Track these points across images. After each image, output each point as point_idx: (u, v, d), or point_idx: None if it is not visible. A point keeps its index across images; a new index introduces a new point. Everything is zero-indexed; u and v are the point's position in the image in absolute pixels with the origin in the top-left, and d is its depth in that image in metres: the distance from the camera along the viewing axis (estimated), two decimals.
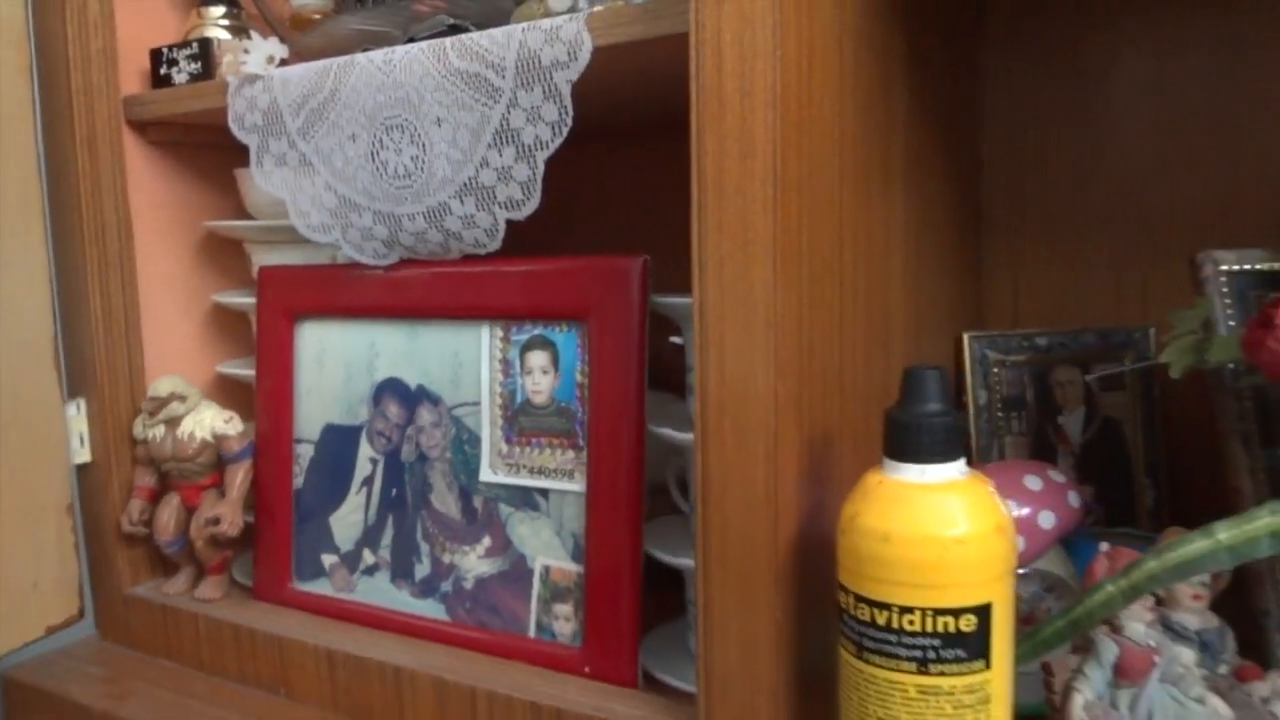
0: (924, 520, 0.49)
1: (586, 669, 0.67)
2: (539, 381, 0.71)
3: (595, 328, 0.68)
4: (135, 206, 0.88)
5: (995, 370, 0.89)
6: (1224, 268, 0.70)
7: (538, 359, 0.71)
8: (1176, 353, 0.60)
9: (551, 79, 0.64)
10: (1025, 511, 0.69)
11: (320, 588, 0.81)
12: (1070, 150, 0.91)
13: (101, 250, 0.85)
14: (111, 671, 0.83)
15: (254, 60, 0.78)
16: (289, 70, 0.76)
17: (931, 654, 0.49)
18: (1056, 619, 0.53)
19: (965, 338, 0.88)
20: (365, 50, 0.79)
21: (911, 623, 0.49)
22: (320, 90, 0.74)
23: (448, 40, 0.68)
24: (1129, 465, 0.88)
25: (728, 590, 0.56)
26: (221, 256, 0.95)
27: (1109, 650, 0.58)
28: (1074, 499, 0.71)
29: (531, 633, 0.71)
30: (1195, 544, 0.48)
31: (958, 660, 0.49)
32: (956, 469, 0.51)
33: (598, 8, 0.67)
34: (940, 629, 0.49)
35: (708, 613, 0.57)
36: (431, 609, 0.76)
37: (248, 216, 0.90)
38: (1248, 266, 0.70)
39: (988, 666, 0.49)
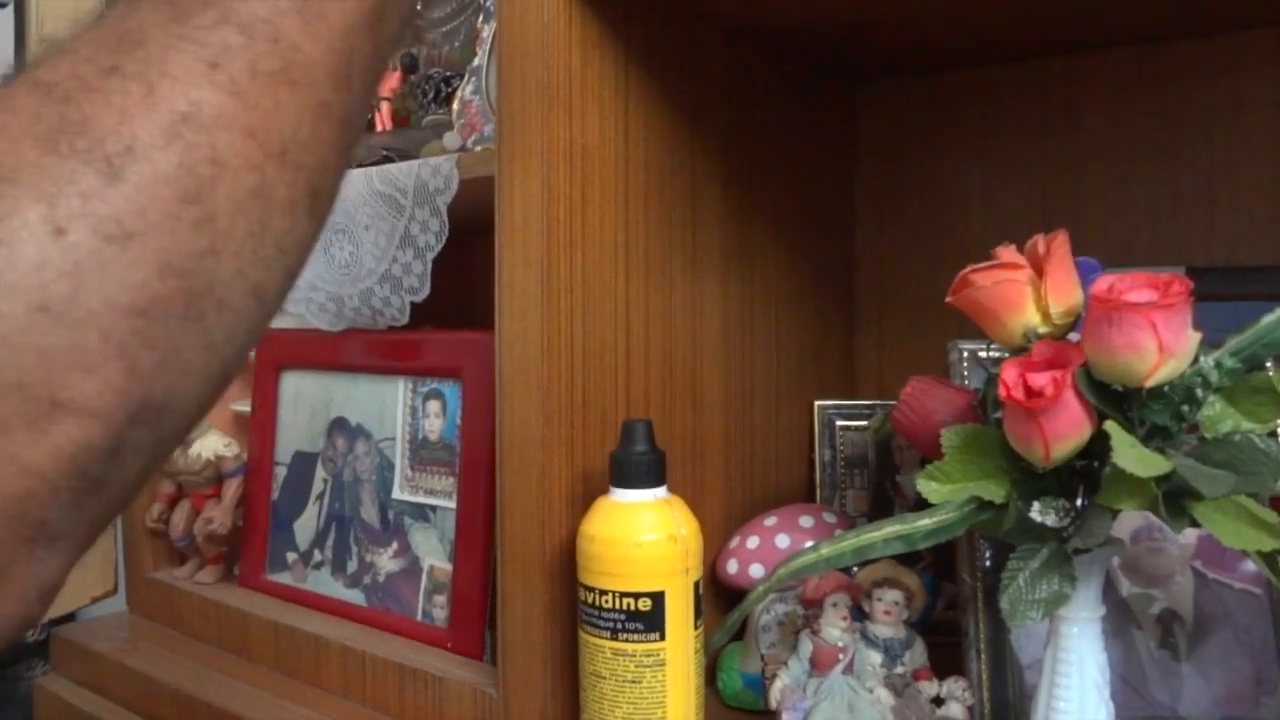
0: (618, 528, 0.69)
1: (449, 644, 0.89)
2: (433, 423, 0.94)
3: (466, 384, 0.90)
4: None
5: (841, 433, 1.07)
6: (966, 352, 0.87)
7: (433, 406, 0.94)
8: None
9: (435, 201, 0.88)
10: (798, 544, 0.87)
11: (284, 578, 1.05)
12: (927, 253, 1.10)
13: None
14: (129, 634, 1.08)
15: None
16: None
17: (619, 625, 0.68)
18: (734, 612, 0.72)
19: (816, 405, 1.07)
20: None
21: (607, 602, 0.69)
22: None
23: (373, 170, 0.93)
24: None
25: (514, 580, 0.77)
26: None
27: (805, 647, 0.76)
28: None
29: (419, 617, 0.93)
30: (804, 556, 0.67)
31: (638, 631, 0.68)
32: (653, 494, 0.70)
33: (478, 148, 0.90)
34: (625, 607, 0.68)
35: (503, 596, 0.78)
36: (355, 596, 0.98)
37: None
38: (988, 354, 0.87)
39: (662, 638, 0.69)
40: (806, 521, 0.88)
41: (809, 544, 0.87)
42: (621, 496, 0.70)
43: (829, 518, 0.89)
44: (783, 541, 0.87)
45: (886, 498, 1.05)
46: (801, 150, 1.03)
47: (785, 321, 1.02)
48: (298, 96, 0.35)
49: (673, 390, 0.86)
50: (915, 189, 1.10)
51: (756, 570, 0.86)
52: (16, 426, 0.30)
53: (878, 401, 1.07)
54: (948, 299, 0.66)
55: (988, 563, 0.82)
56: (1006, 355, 0.88)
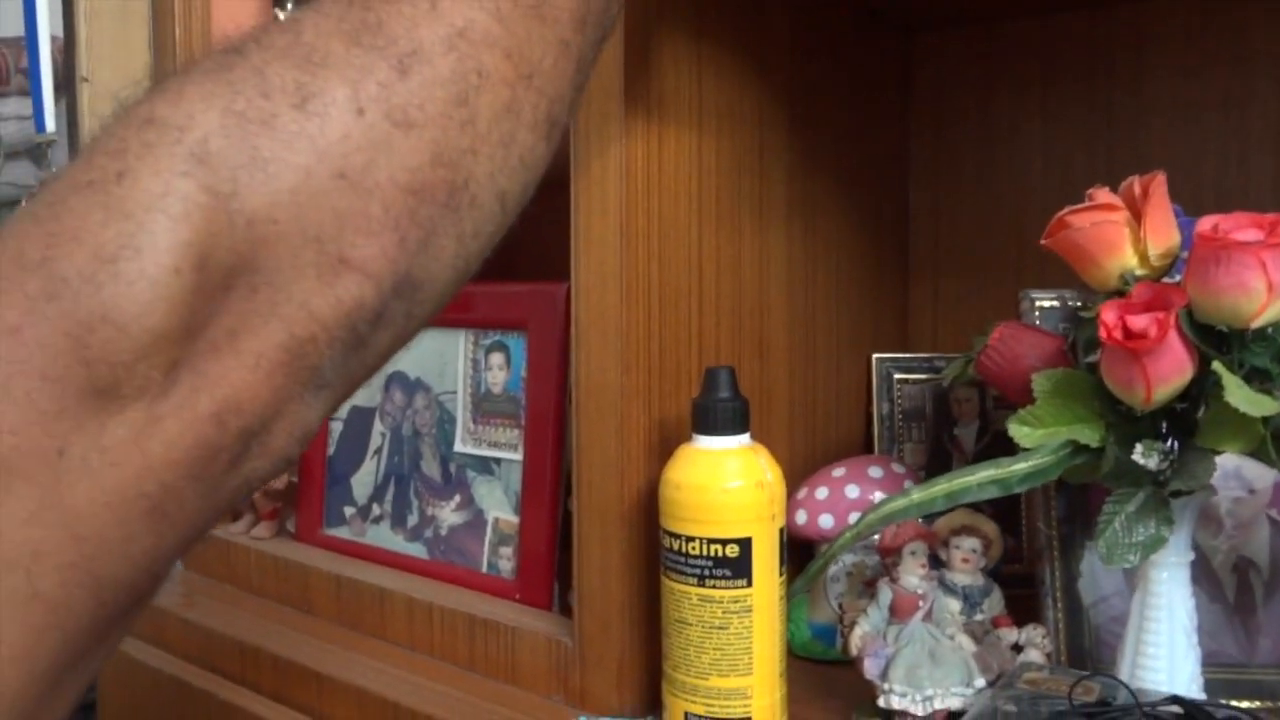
0: (705, 474, 0.69)
1: (517, 595, 0.89)
2: (496, 376, 0.93)
3: (532, 336, 0.90)
4: None
5: (899, 386, 1.06)
6: (1039, 304, 0.86)
7: (496, 359, 0.93)
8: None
9: None
10: (868, 495, 0.86)
11: (342, 533, 1.05)
12: (983, 207, 1.08)
13: None
14: (186, 590, 1.08)
15: None
16: None
17: (706, 572, 0.68)
18: (818, 557, 0.72)
19: (873, 358, 1.06)
20: None
21: (693, 548, 0.68)
22: None
23: None
24: None
25: (591, 529, 0.77)
26: None
27: (885, 594, 0.76)
28: (909, 487, 0.88)
29: (484, 569, 0.93)
30: (894, 502, 0.66)
31: (725, 578, 0.68)
32: (737, 441, 0.70)
33: None
34: (712, 553, 0.68)
35: (580, 546, 0.77)
36: (417, 550, 0.98)
37: None
38: (1057, 304, 0.86)
39: (749, 585, 0.68)
40: (875, 472, 0.88)
41: (877, 495, 0.87)
42: (706, 443, 0.70)
43: (897, 468, 0.89)
44: (852, 492, 0.87)
45: (944, 451, 1.05)
46: (858, 101, 1.02)
47: (844, 274, 1.01)
48: (546, 31, 0.40)
49: (742, 341, 0.86)
50: (972, 141, 1.09)
51: (826, 521, 0.86)
52: (310, 275, 0.34)
53: (935, 354, 1.07)
54: (1042, 241, 0.66)
55: (1061, 512, 0.81)
56: (1080, 304, 0.87)
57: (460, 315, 0.95)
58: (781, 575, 0.71)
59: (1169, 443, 0.62)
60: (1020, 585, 0.84)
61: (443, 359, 0.98)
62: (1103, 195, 0.65)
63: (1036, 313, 0.86)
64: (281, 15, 1.12)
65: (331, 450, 1.07)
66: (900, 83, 1.10)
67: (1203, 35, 0.97)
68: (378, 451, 1.03)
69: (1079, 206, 0.64)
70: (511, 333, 0.92)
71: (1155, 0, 0.98)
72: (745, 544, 0.68)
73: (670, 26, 0.76)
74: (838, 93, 0.97)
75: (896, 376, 1.06)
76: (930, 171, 1.12)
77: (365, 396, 1.05)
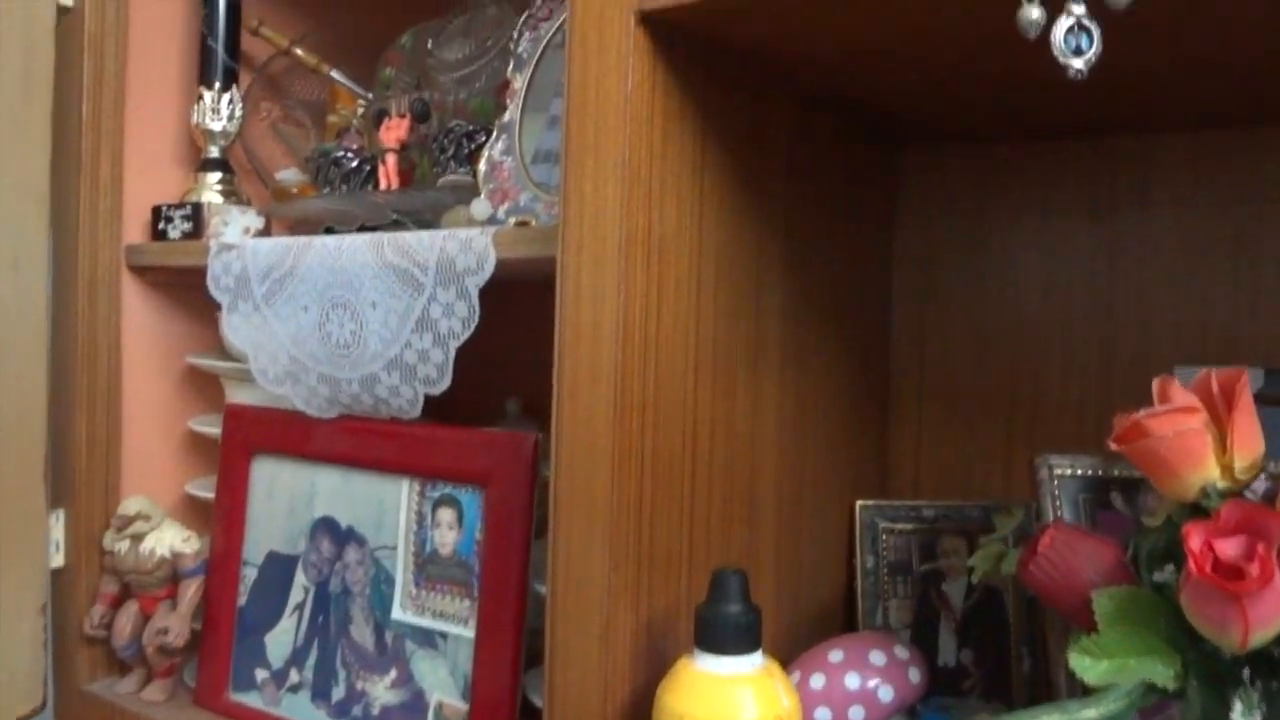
0: (713, 707, 0.57)
1: None
2: (445, 535, 0.80)
3: (492, 494, 0.77)
4: (128, 338, 1.00)
5: (884, 537, 0.97)
6: (1058, 472, 0.78)
7: (446, 515, 0.81)
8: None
9: (463, 282, 0.75)
10: (869, 684, 0.76)
11: (252, 700, 0.90)
12: (972, 340, 1.00)
13: (91, 379, 0.97)
14: None
15: (232, 230, 0.90)
16: (259, 243, 0.88)
17: None
18: None
19: (857, 506, 0.96)
20: (329, 228, 0.91)
21: None
22: (282, 265, 0.86)
23: (385, 237, 0.80)
24: (1007, 634, 0.95)
25: None
26: (203, 384, 1.07)
27: None
28: (914, 675, 0.78)
29: None
30: None
31: None
32: (750, 663, 0.59)
33: (511, 221, 0.78)
34: None
35: None
36: None
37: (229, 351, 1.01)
38: (1079, 471, 0.78)
39: None
40: (877, 658, 0.78)
41: (881, 687, 0.77)
42: (714, 666, 0.59)
43: (900, 652, 0.79)
44: (853, 681, 0.76)
45: (931, 608, 0.96)
46: (850, 228, 0.93)
47: (831, 416, 0.92)
48: None
49: (732, 506, 0.75)
50: (962, 269, 1.01)
51: (823, 715, 0.75)
52: None
53: (922, 502, 0.98)
54: (1112, 445, 0.57)
55: None
56: (1101, 473, 0.79)
57: (404, 459, 0.83)
58: None
59: (1258, 688, 0.54)
60: None
61: (381, 507, 0.85)
62: (1178, 394, 0.56)
63: (1055, 483, 0.78)
64: (207, 95, 0.99)
65: (242, 600, 0.92)
66: (887, 205, 1.02)
67: (1211, 170, 0.91)
68: (299, 607, 0.89)
69: (1158, 410, 0.55)
70: (466, 486, 0.80)
71: (1161, 131, 0.92)
72: None
73: (676, 157, 0.66)
74: (831, 221, 0.89)
75: (881, 525, 0.97)
76: (915, 300, 1.03)
77: (286, 541, 0.91)
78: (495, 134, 0.82)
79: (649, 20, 0.62)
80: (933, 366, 1.03)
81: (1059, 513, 0.77)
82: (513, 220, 0.78)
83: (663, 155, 0.65)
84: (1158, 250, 0.93)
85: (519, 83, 0.82)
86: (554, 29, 0.83)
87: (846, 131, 0.90)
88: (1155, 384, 0.58)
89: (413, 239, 0.78)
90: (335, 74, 1.05)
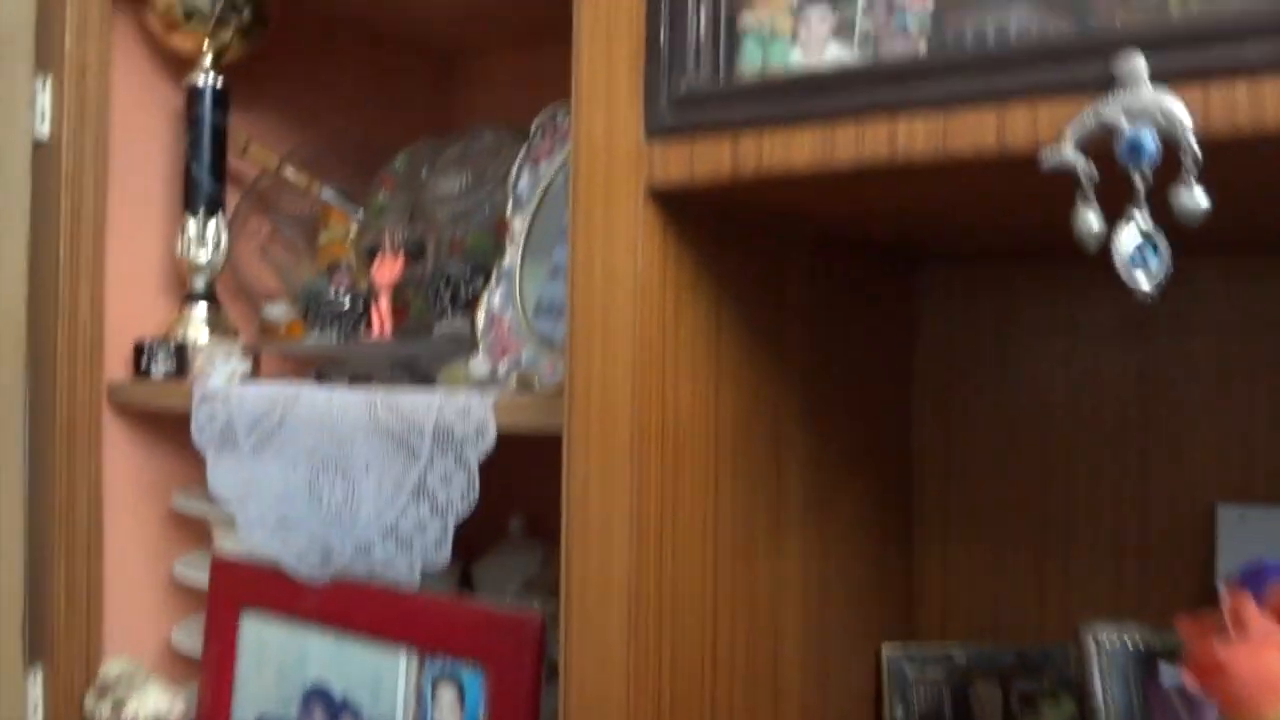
0: None
1: None
2: (446, 716, 0.75)
3: (493, 675, 0.72)
4: (110, 478, 0.95)
5: (914, 686, 0.91)
6: (1106, 645, 0.72)
7: (446, 695, 0.75)
8: None
9: (462, 451, 0.70)
10: None
11: None
12: (997, 464, 0.95)
13: (70, 528, 0.92)
14: None
15: (217, 377, 0.85)
16: (246, 392, 0.83)
17: None
18: None
19: (884, 653, 0.91)
20: (318, 371, 0.86)
21: None
22: (270, 417, 0.81)
23: (378, 395, 0.75)
24: None
25: None
26: (189, 522, 1.01)
27: None
28: None
29: None
30: None
31: None
32: None
33: (512, 379, 0.73)
34: None
35: None
36: None
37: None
38: (1127, 643, 0.72)
39: None
40: None
41: None
42: None
43: None
44: None
45: None
46: (866, 357, 0.88)
47: (854, 558, 0.86)
48: None
49: (755, 697, 0.70)
50: (986, 394, 0.96)
51: None
52: None
53: (954, 645, 0.92)
54: (1186, 682, 0.51)
55: None
56: (1150, 645, 0.74)
57: (402, 629, 0.77)
58: None
59: None
60: None
61: (378, 678, 0.79)
62: (1254, 618, 0.51)
63: (1104, 658, 0.72)
64: (192, 225, 0.94)
65: None
66: (907, 331, 0.97)
67: (1250, 293, 0.86)
68: None
69: (1233, 644, 0.50)
70: (467, 663, 0.74)
71: (1203, 256, 0.87)
72: None
73: (689, 330, 0.61)
74: (850, 357, 0.83)
75: (910, 673, 0.91)
76: (939, 429, 0.98)
77: (277, 704, 0.85)
78: (494, 280, 0.77)
79: (660, 196, 0.57)
80: (958, 497, 0.97)
81: (1108, 694, 0.71)
82: (514, 378, 0.73)
83: (675, 333, 0.60)
84: (1196, 376, 0.88)
85: (519, 225, 0.78)
86: (555, 168, 0.78)
87: (864, 263, 0.85)
88: (1225, 596, 0.53)
89: (407, 401, 0.73)
90: (327, 193, 1.01)
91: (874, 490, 0.89)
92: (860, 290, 0.85)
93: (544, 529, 1.05)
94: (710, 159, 0.54)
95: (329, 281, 0.87)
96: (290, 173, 1.01)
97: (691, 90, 0.55)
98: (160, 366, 0.92)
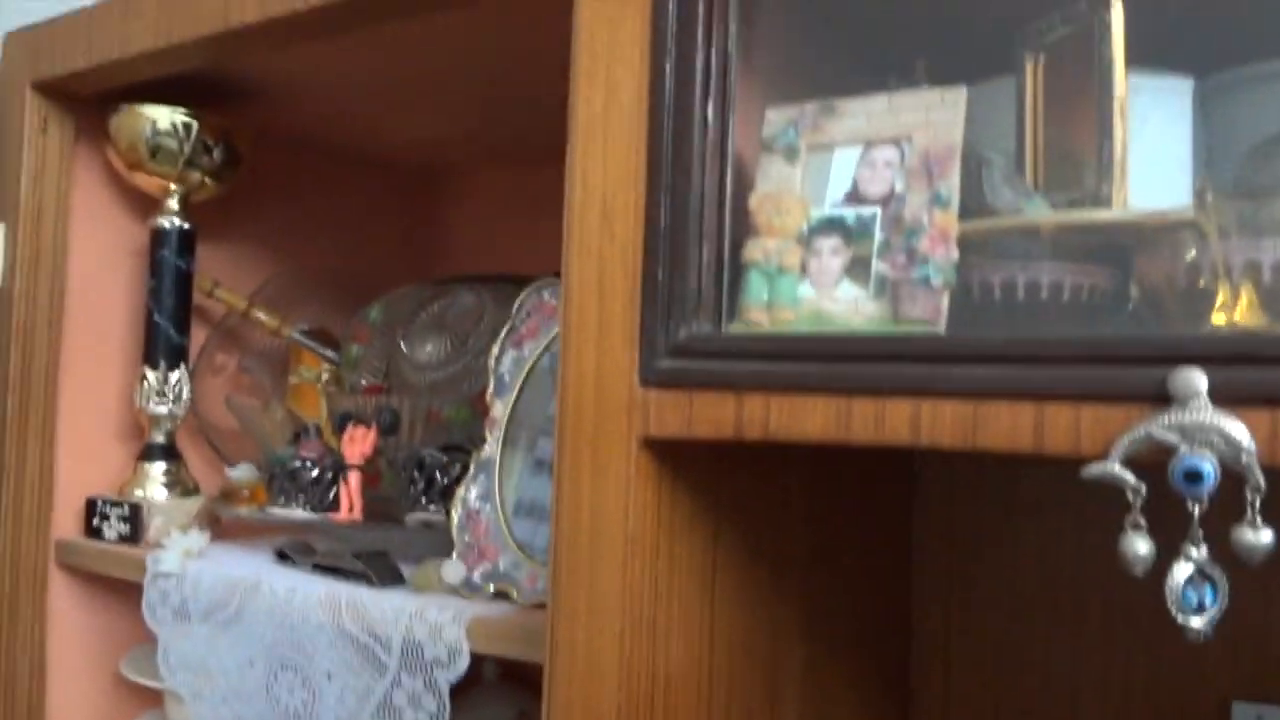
0: None
1: None
2: None
3: None
4: (55, 643, 0.88)
5: None
6: None
7: None
8: None
9: (432, 674, 0.64)
10: None
11: None
12: (999, 656, 0.90)
13: (10, 699, 0.85)
14: None
15: (172, 552, 0.79)
16: (201, 573, 0.77)
17: None
18: None
19: None
20: (280, 548, 0.80)
21: None
22: (226, 606, 0.75)
23: (343, 596, 0.69)
24: None
25: None
26: (139, 687, 0.95)
27: None
28: None
29: None
30: None
31: None
32: None
33: (489, 588, 0.68)
34: None
35: None
36: None
37: None
38: None
39: None
40: None
41: None
42: None
43: None
44: None
45: None
46: (867, 552, 0.82)
47: None
48: None
49: None
50: (990, 577, 0.90)
51: None
52: None
53: None
54: None
55: None
56: None
57: None
58: None
59: None
60: None
61: None
62: None
63: None
64: (151, 376, 0.89)
65: None
66: (906, 524, 0.90)
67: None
68: None
69: None
70: None
71: None
72: None
73: (683, 584, 0.56)
74: (850, 555, 0.78)
75: None
76: (941, 615, 0.92)
77: None
78: (472, 471, 0.71)
79: (655, 443, 0.52)
80: (960, 686, 0.92)
81: None
82: (491, 588, 0.68)
83: (669, 584, 0.55)
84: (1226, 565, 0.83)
85: (499, 411, 0.73)
86: (540, 349, 0.73)
87: (869, 464, 0.80)
88: None
89: (375, 606, 0.67)
90: (297, 335, 0.96)
91: (874, 691, 0.84)
92: (864, 486, 0.80)
93: (520, 673, 1.00)
94: (711, 417, 0.50)
95: (296, 448, 0.82)
96: (260, 314, 0.95)
97: (692, 338, 0.50)
98: (113, 529, 0.86)
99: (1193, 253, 0.47)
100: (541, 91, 0.65)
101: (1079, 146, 0.54)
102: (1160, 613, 0.86)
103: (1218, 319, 0.48)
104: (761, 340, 0.49)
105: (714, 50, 0.53)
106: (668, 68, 0.51)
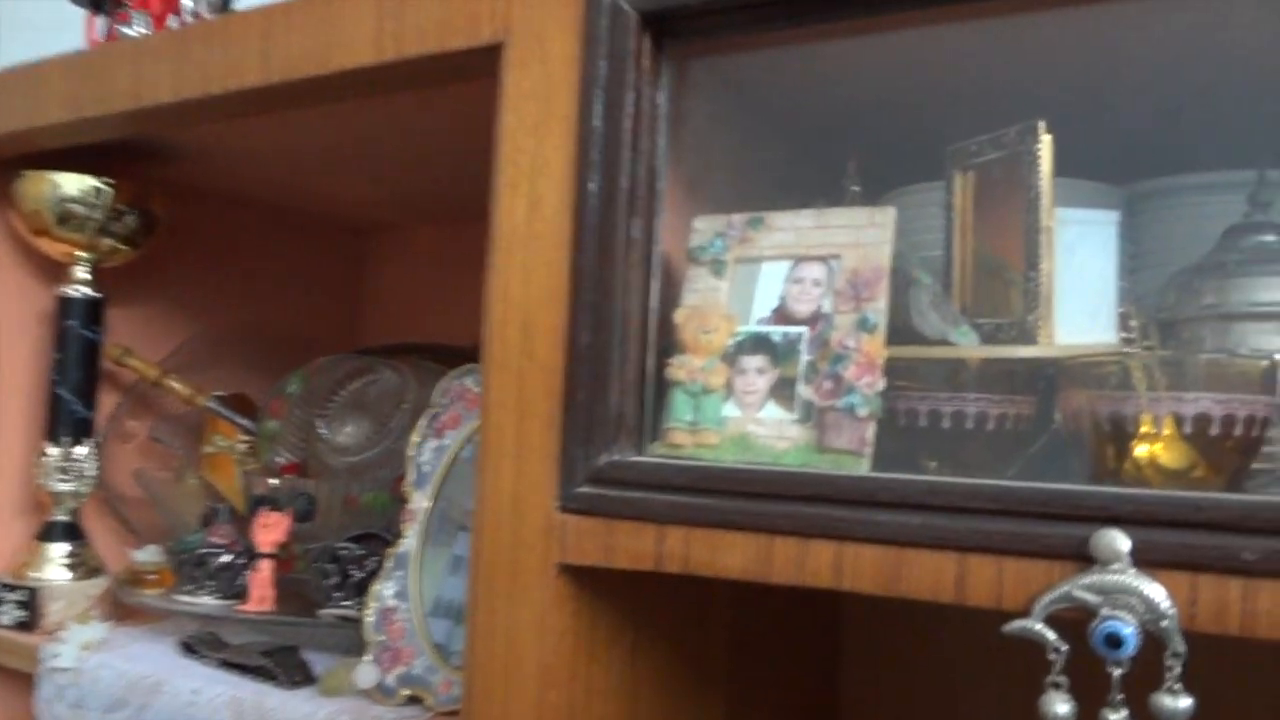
0: None
1: None
2: None
3: None
4: None
5: None
6: None
7: None
8: None
9: None
10: None
11: None
12: None
13: None
14: None
15: (70, 646, 0.75)
16: (100, 670, 0.73)
17: None
18: None
19: None
20: (186, 639, 0.76)
21: None
22: (124, 707, 0.71)
23: (248, 703, 0.66)
24: None
25: None
26: None
27: None
28: None
29: None
30: None
31: None
32: None
33: (403, 694, 0.65)
34: None
35: None
36: None
37: None
38: None
39: None
40: None
41: None
42: None
43: None
44: None
45: None
46: (792, 678, 0.79)
47: None
48: None
49: None
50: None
51: None
52: None
53: None
54: None
55: None
56: None
57: None
58: None
59: None
60: None
61: None
62: None
63: None
64: (54, 452, 0.84)
65: None
66: (832, 653, 0.86)
67: None
68: None
69: None
70: None
71: None
72: None
73: (600, 708, 0.54)
74: (775, 674, 0.75)
75: None
76: None
77: None
78: (390, 566, 0.69)
79: (574, 569, 0.50)
80: None
81: None
82: (404, 693, 0.65)
83: (587, 708, 0.53)
84: None
85: (417, 502, 0.70)
86: (463, 438, 0.71)
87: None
88: None
89: (281, 715, 0.64)
90: (211, 404, 0.92)
91: None
92: (789, 605, 0.78)
93: None
94: (630, 548, 0.48)
95: (205, 533, 0.78)
96: (173, 382, 0.92)
97: (612, 465, 0.49)
98: (8, 614, 0.82)
99: (1117, 389, 0.47)
100: (471, 152, 0.63)
101: (1007, 264, 0.53)
102: None
103: (1140, 452, 0.49)
104: (683, 471, 0.48)
105: (640, 165, 0.51)
106: (592, 185, 0.50)
